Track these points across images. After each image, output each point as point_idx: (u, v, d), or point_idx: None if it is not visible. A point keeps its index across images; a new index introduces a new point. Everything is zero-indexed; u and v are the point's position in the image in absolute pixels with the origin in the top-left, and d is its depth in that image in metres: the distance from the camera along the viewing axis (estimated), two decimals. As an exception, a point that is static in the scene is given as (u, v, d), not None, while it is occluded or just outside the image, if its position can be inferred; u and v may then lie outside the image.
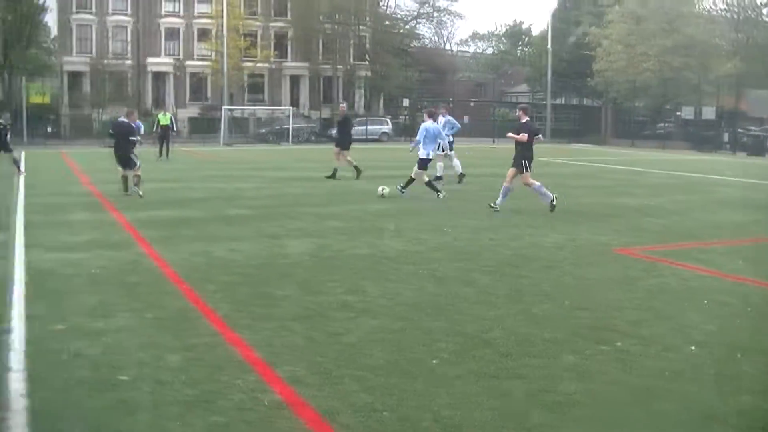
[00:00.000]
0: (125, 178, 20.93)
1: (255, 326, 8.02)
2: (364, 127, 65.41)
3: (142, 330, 7.90)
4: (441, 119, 25.16)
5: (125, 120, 21.89)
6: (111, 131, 22.08)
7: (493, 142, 63.68)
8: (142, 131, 30.68)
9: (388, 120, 72.22)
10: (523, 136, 17.51)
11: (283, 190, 23.10)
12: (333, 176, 25.78)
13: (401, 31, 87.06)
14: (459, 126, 26.67)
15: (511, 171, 17.74)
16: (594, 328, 8.10)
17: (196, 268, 11.08)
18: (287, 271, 11.08)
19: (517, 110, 18.88)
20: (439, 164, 25.19)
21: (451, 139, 25.71)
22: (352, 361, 6.96)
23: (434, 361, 6.96)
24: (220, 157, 43.55)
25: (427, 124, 21.29)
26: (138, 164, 20.95)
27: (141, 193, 20.42)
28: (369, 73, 79.71)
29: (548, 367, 6.92)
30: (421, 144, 20.90)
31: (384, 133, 68.13)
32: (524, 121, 17.80)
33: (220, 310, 8.61)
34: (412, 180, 20.74)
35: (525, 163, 17.58)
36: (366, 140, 59.22)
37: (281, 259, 12.02)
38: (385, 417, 5.74)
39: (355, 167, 25.75)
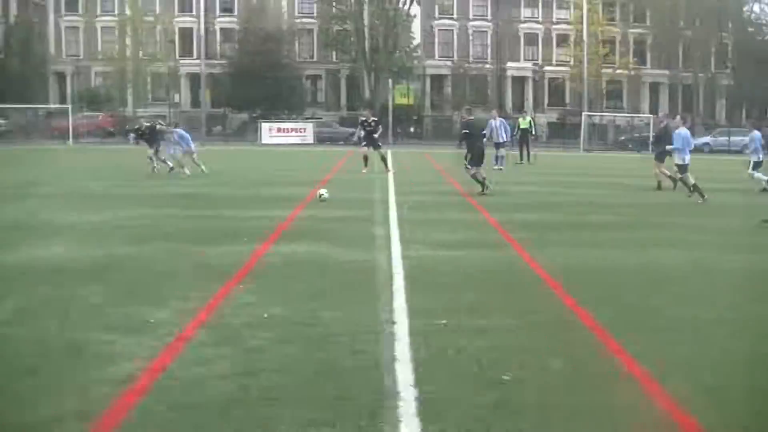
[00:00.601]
0: (483, 179, 21.43)
1: (636, 337, 7.78)
2: (726, 138, 62.85)
3: (522, 332, 7.96)
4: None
5: (472, 117, 22.72)
6: (466, 130, 21.99)
7: None
8: (509, 134, 31.73)
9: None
10: None
11: (646, 199, 22.56)
12: (659, 188, 24.74)
13: (767, 38, 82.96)
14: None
15: None
16: None
17: (569, 273, 11.00)
18: (663, 282, 10.72)
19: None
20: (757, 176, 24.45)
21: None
22: (739, 381, 6.63)
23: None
24: (580, 163, 43.43)
25: (681, 130, 21.74)
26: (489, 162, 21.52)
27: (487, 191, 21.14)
28: (731, 82, 76.63)
29: None
30: (679, 151, 21.56)
31: (745, 145, 64.77)
32: None
33: (600, 318, 8.45)
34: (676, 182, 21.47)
35: None
36: (728, 152, 56.73)
37: (655, 269, 11.65)
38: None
39: (671, 177, 24.47)
